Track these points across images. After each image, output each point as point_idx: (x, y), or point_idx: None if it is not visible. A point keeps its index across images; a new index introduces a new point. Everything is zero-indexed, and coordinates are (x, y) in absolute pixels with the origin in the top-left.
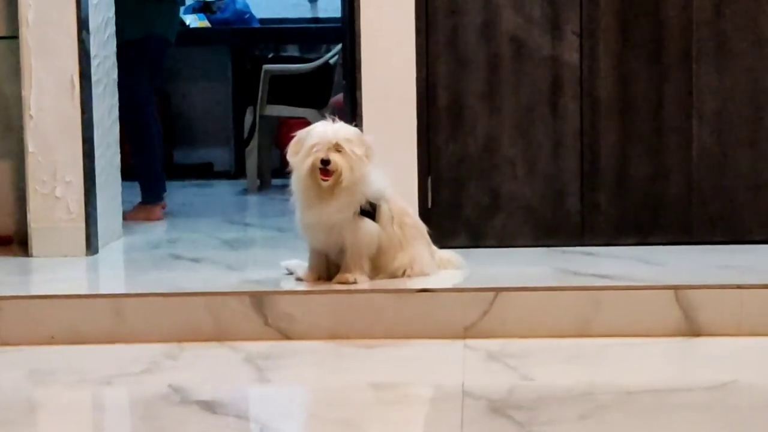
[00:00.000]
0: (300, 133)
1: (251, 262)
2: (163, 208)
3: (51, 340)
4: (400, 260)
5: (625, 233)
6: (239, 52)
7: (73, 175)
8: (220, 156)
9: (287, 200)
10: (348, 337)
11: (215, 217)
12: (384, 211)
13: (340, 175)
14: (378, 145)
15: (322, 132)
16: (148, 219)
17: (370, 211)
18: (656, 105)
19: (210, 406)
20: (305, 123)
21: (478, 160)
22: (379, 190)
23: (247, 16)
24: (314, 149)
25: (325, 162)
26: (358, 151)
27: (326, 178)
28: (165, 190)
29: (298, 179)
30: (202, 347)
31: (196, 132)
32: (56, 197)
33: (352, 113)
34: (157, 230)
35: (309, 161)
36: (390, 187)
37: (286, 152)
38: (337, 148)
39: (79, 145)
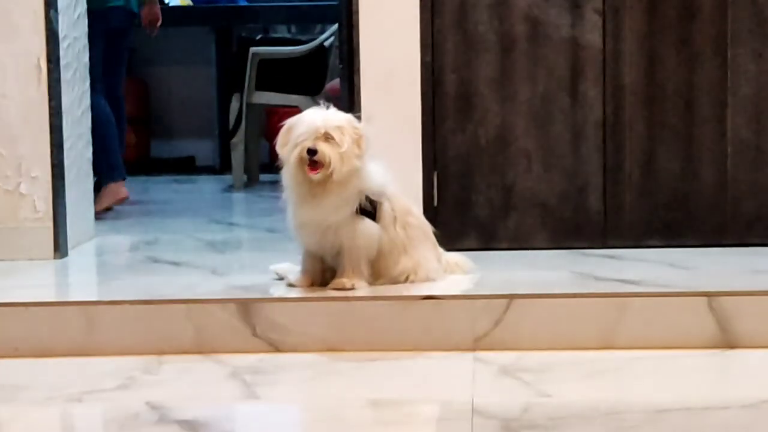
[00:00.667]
0: (289, 122)
1: (237, 266)
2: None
3: (15, 353)
4: (403, 264)
5: (653, 234)
6: (224, 33)
7: (39, 169)
8: (202, 149)
9: (278, 197)
10: (345, 350)
11: (198, 217)
12: (385, 209)
13: (330, 167)
14: (378, 136)
15: (310, 119)
16: (117, 200)
17: (370, 210)
18: (687, 92)
19: (192, 426)
20: (297, 112)
21: (489, 152)
22: (379, 186)
23: None
24: (300, 138)
25: (312, 152)
26: (350, 140)
27: (315, 171)
28: (124, 169)
29: (288, 173)
30: (184, 360)
31: (176, 122)
32: (21, 194)
33: (349, 101)
34: (133, 231)
35: (295, 152)
36: (392, 183)
37: (276, 144)
38: (326, 137)
39: (47, 137)
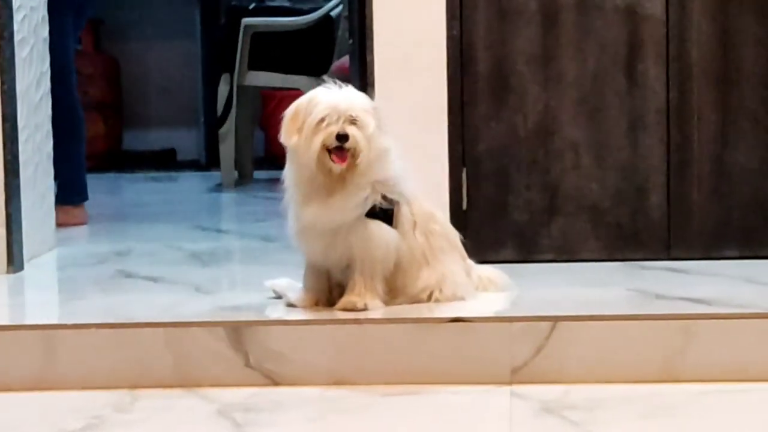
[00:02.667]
0: (297, 104)
1: (227, 283)
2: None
3: None
4: (425, 280)
5: (727, 243)
6: (211, 1)
7: None
8: (185, 140)
9: (276, 199)
10: (356, 383)
11: (179, 222)
12: (403, 214)
13: (358, 155)
14: (395, 126)
15: (333, 101)
16: (68, 223)
17: (387, 211)
18: (767, 72)
19: None
20: (298, 96)
21: (529, 145)
22: (397, 184)
23: None
24: (324, 123)
25: (342, 138)
26: (373, 125)
27: (343, 161)
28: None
29: (299, 168)
30: (162, 395)
31: (154, 108)
32: None
33: (360, 83)
34: (101, 239)
35: (318, 140)
36: (411, 182)
37: (280, 133)
38: (353, 120)
39: None
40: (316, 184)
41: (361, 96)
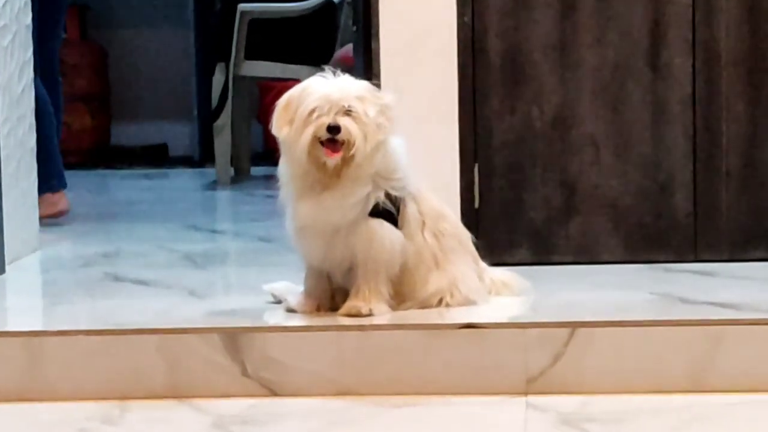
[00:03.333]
0: (290, 94)
1: (222, 286)
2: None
3: None
4: (434, 283)
5: (757, 244)
6: None
7: None
8: (177, 134)
9: (275, 196)
10: (360, 393)
11: (171, 222)
12: (410, 212)
13: (353, 147)
14: (403, 119)
15: (326, 90)
16: (54, 213)
17: (391, 210)
18: None
19: None
20: None
21: (545, 139)
22: (403, 179)
23: None
24: (316, 114)
25: (334, 129)
26: (373, 113)
27: (336, 153)
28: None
29: (291, 162)
30: (153, 407)
31: (144, 100)
32: None
33: (365, 73)
34: (88, 240)
35: (309, 132)
36: (419, 178)
37: (272, 125)
38: (347, 111)
39: None
40: (310, 180)
41: (358, 84)
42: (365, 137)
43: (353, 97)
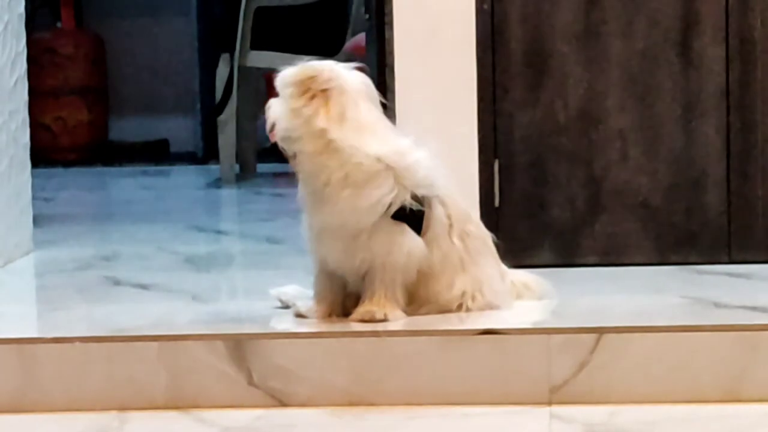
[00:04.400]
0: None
1: (227, 290)
2: None
3: None
4: (460, 286)
5: None
6: None
7: None
8: (179, 129)
9: (281, 195)
10: (374, 403)
11: (173, 222)
12: (437, 215)
13: (273, 128)
14: (417, 113)
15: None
16: None
17: (417, 213)
18: None
19: None
20: None
21: (570, 134)
22: (427, 180)
23: None
24: None
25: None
26: (289, 94)
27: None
28: None
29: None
30: (154, 418)
31: (144, 93)
32: None
33: (378, 63)
34: (85, 242)
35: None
36: (444, 179)
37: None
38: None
39: None
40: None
41: (299, 66)
42: (288, 118)
43: (280, 81)
